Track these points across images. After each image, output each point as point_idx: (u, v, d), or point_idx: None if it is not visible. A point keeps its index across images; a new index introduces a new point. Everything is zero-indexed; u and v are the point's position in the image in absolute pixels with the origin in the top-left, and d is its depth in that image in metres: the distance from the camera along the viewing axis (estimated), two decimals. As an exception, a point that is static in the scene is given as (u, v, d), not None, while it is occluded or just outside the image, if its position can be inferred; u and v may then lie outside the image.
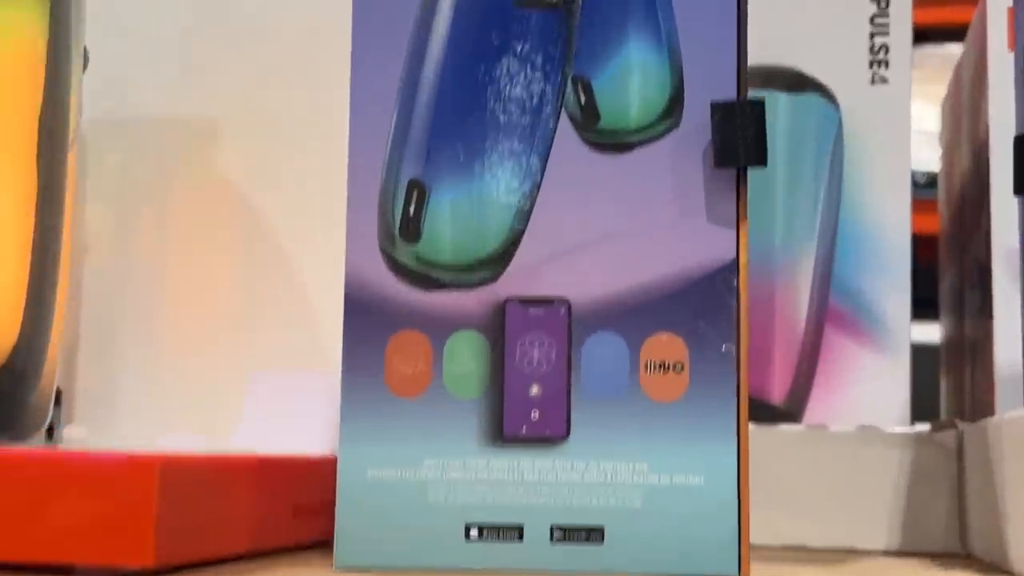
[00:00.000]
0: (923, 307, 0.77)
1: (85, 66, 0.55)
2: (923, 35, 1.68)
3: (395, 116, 0.47)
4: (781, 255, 0.66)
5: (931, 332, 0.85)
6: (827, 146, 0.67)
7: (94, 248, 0.63)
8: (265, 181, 0.62)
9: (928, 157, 1.03)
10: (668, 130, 0.46)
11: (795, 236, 0.66)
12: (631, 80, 0.46)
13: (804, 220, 0.66)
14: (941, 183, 0.86)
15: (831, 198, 0.67)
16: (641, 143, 0.46)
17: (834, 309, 0.66)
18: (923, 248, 0.79)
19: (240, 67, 0.62)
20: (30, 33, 0.50)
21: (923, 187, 1.60)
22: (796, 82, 0.67)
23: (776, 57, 0.67)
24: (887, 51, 0.66)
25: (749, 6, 0.47)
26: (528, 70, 0.46)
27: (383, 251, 0.46)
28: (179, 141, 0.63)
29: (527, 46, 0.46)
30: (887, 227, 0.67)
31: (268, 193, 0.62)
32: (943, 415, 0.80)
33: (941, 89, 0.84)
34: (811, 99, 0.67)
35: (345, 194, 0.47)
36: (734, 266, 0.45)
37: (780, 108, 0.66)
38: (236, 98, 0.62)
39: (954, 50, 1.63)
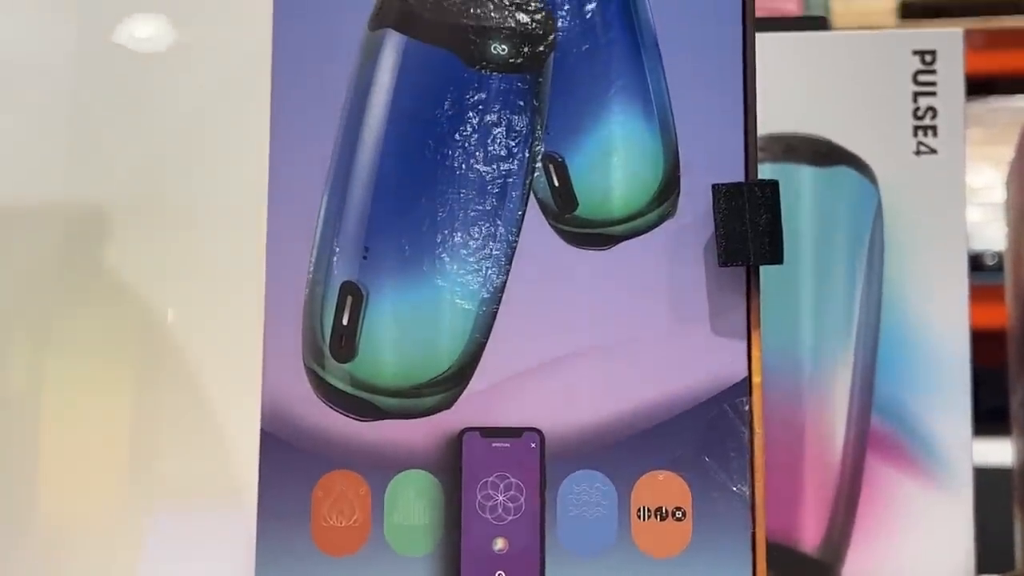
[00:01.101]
0: (990, 420, 0.78)
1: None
2: (988, 86, 1.72)
3: (324, 203, 0.47)
4: (810, 366, 0.67)
5: (1000, 451, 0.85)
6: (864, 229, 0.67)
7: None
8: (165, 282, 0.62)
9: (998, 234, 1.04)
10: (661, 219, 0.47)
11: (827, 342, 0.67)
12: (615, 158, 0.47)
13: (838, 322, 0.67)
14: (1008, 267, 0.87)
15: (870, 294, 0.67)
16: (628, 235, 0.47)
17: (877, 432, 0.67)
18: (989, 345, 0.80)
19: (134, 145, 0.63)
20: None
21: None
22: (825, 153, 0.68)
23: (799, 124, 0.68)
24: (934, 115, 0.67)
25: (763, 65, 0.48)
26: (488, 146, 0.47)
27: (309, 370, 0.47)
28: (60, 233, 0.64)
29: (487, 117, 0.47)
30: (940, 328, 0.67)
31: (169, 296, 0.62)
32: (1018, 563, 0.80)
33: (1012, 151, 0.86)
34: (843, 173, 0.68)
35: (262, 298, 0.47)
36: (745, 387, 0.45)
37: (805, 184, 0.67)
38: (129, 182, 0.63)
39: (1026, 104, 1.66)
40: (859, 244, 0.68)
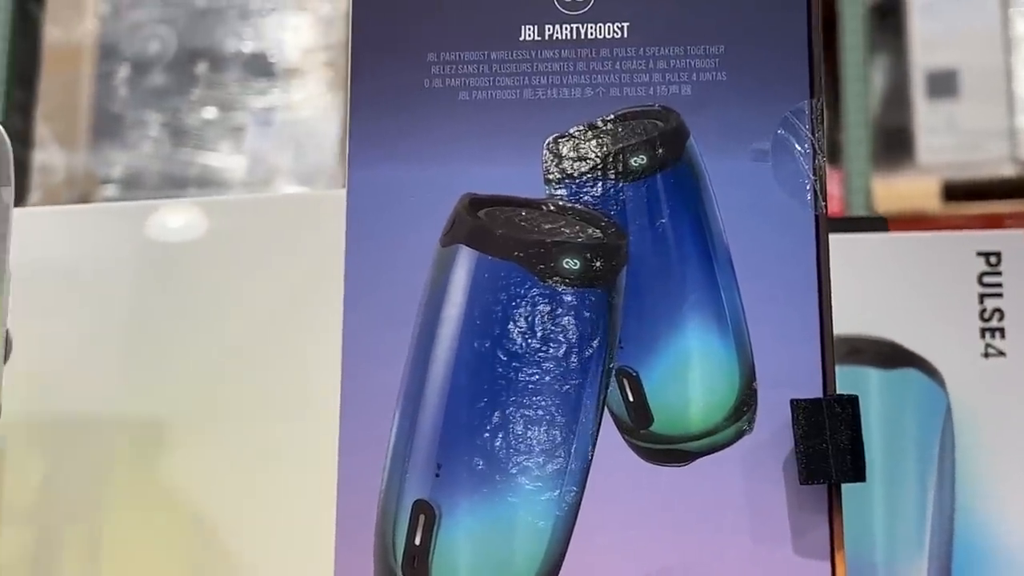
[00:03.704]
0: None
1: (7, 356, 0.56)
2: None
3: (396, 420, 0.48)
4: (884, 577, 0.66)
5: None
6: (933, 434, 0.67)
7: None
8: (224, 499, 0.61)
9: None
10: (738, 435, 0.47)
11: (899, 554, 0.66)
12: (689, 373, 0.47)
13: (909, 531, 0.66)
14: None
15: (942, 500, 0.67)
16: (705, 451, 0.47)
17: (955, 646, 0.65)
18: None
19: (193, 357, 0.64)
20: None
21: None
22: (890, 356, 0.68)
23: (864, 326, 0.68)
24: (1002, 316, 0.67)
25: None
26: (561, 361, 0.48)
27: (381, 593, 0.46)
28: (116, 448, 0.64)
29: (559, 332, 0.48)
30: (1015, 535, 0.67)
31: (228, 514, 0.61)
32: None
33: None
34: (910, 376, 0.68)
35: (331, 519, 0.47)
36: (830, 609, 0.45)
37: (872, 388, 0.68)
38: (188, 395, 0.63)
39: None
40: (929, 448, 0.67)
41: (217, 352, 0.63)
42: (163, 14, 1.97)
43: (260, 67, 1.96)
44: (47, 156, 1.94)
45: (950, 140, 1.88)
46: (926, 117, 1.89)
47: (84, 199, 1.90)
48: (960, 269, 0.68)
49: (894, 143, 1.91)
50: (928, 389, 0.68)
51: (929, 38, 1.90)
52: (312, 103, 1.95)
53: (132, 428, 0.64)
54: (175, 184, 1.95)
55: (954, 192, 1.83)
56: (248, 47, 1.97)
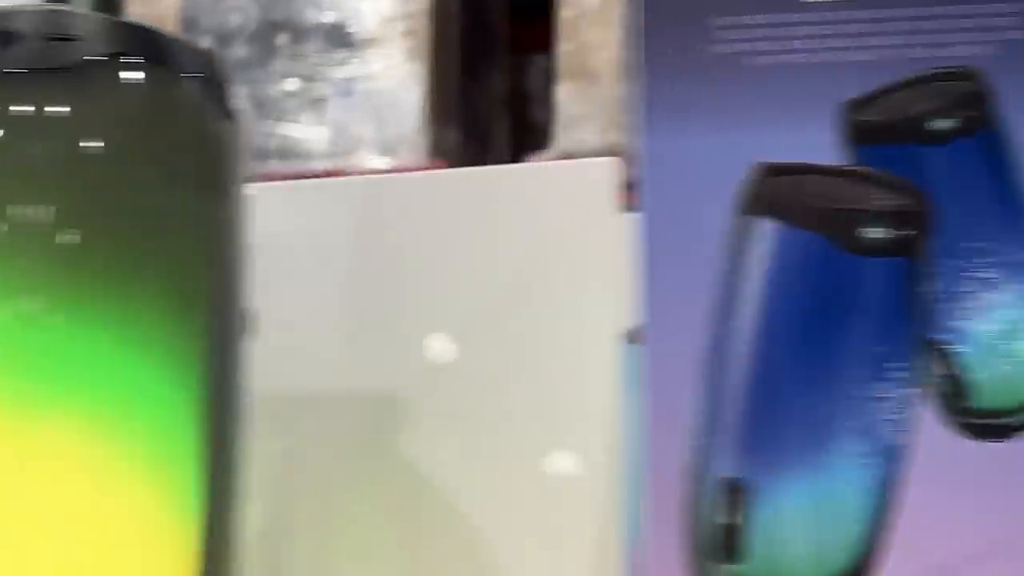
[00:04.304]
0: None
1: (252, 332, 0.55)
2: None
3: (703, 396, 0.46)
4: None
5: None
6: None
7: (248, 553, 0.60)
8: (473, 476, 0.58)
9: None
10: (1064, 408, 0.45)
11: None
12: (1010, 344, 0.46)
13: None
14: None
15: None
16: (1027, 425, 0.45)
17: None
18: None
19: (442, 333, 0.61)
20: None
21: None
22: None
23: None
24: None
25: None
26: (869, 333, 0.46)
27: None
28: (352, 423, 0.62)
29: (867, 304, 0.46)
30: None
31: (478, 492, 0.58)
32: None
33: None
34: None
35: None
36: None
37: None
38: (434, 373, 0.60)
39: None
40: None
41: (464, 327, 0.61)
42: (243, -14, 1.95)
43: (340, 38, 1.94)
44: (131, 131, 1.93)
45: None
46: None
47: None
48: None
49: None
50: None
51: None
52: (392, 73, 1.93)
53: (371, 406, 0.62)
54: (257, 156, 1.93)
55: None
56: (328, 18, 1.95)
